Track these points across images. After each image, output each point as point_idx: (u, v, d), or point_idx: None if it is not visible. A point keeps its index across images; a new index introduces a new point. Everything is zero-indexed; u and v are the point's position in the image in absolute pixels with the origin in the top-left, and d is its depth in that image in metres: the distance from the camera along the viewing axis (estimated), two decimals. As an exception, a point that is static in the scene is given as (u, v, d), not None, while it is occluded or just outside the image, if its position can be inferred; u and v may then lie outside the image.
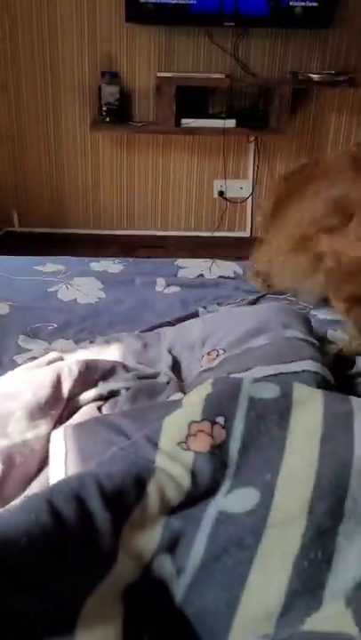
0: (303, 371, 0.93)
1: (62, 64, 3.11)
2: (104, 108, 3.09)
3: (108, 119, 3.09)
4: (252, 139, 3.30)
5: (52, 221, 3.40)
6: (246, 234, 3.45)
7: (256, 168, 3.40)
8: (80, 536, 0.58)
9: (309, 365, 0.94)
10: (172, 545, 0.66)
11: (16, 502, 0.80)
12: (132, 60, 3.14)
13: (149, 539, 0.65)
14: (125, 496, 0.66)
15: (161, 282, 1.65)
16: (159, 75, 3.03)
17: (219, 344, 1.10)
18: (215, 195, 3.43)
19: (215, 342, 1.12)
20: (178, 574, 0.64)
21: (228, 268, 1.78)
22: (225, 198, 3.44)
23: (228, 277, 1.72)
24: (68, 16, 3.01)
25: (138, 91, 3.19)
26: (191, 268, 1.76)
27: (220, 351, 1.06)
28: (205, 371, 1.05)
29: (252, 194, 3.43)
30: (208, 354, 1.07)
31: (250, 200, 3.45)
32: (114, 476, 0.67)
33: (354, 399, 0.81)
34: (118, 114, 3.10)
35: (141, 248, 3.29)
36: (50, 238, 3.33)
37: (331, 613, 0.54)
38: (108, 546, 0.60)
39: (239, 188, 3.44)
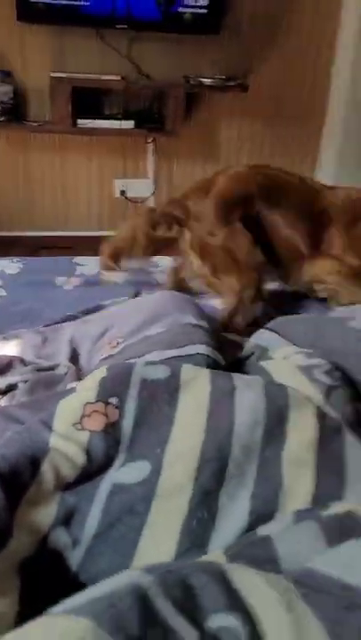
0: (197, 354, 0.99)
1: None
2: (-2, 107, 3.04)
3: (2, 118, 3.04)
4: (150, 140, 3.37)
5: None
6: (148, 233, 3.51)
7: (156, 168, 3.47)
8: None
9: (201, 349, 1.01)
10: (67, 518, 0.69)
11: None
12: (25, 59, 3.11)
13: (45, 514, 0.68)
14: (20, 475, 0.68)
15: (60, 279, 1.67)
16: (53, 75, 3.03)
17: (118, 333, 1.14)
18: (117, 194, 3.47)
19: (115, 332, 1.16)
20: (73, 545, 0.67)
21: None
22: (127, 198, 3.48)
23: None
24: None
25: (32, 90, 3.16)
26: (90, 265, 1.79)
27: (120, 339, 1.11)
28: (105, 358, 1.09)
29: (153, 193, 3.50)
30: (109, 343, 1.11)
31: (152, 199, 3.52)
32: (8, 458, 0.69)
33: (238, 376, 0.88)
34: (13, 113, 3.06)
35: (43, 249, 3.25)
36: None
37: (210, 559, 0.60)
38: (3, 522, 0.63)
39: (140, 187, 3.50)
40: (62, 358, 1.14)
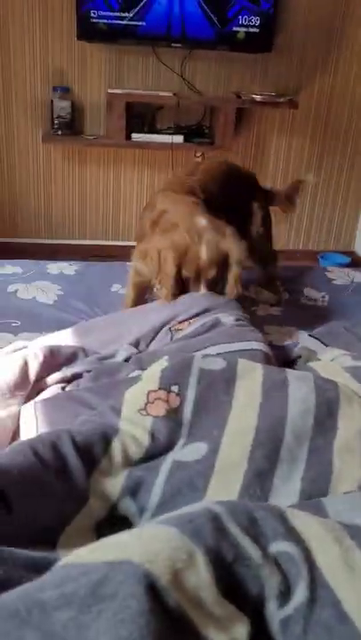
0: (252, 349, 1.07)
1: (14, 79, 3.19)
2: (56, 122, 3.19)
3: (59, 132, 3.19)
4: (199, 154, 3.47)
5: (6, 231, 3.46)
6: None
7: (203, 182, 3.56)
8: (58, 474, 0.68)
9: (256, 345, 1.09)
10: (134, 490, 0.77)
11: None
12: (84, 76, 3.26)
13: (115, 484, 0.76)
14: (93, 448, 0.77)
15: (116, 286, 1.77)
16: (110, 91, 3.16)
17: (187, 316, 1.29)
18: (164, 206, 3.57)
19: (182, 317, 1.30)
20: (140, 513, 0.74)
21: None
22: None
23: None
24: (20, 34, 3.10)
25: (89, 106, 3.31)
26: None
27: (192, 320, 1.26)
28: (178, 339, 1.22)
29: (199, 206, 3.59)
30: (180, 322, 1.25)
31: (198, 212, 3.60)
32: (84, 433, 0.78)
33: (289, 371, 0.95)
34: (70, 127, 3.21)
35: (92, 257, 3.38)
36: (5, 248, 3.38)
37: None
38: (81, 485, 0.71)
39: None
40: (124, 344, 1.23)
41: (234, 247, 1.38)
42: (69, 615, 0.37)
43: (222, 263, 1.38)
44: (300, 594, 0.45)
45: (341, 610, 0.43)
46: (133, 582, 0.39)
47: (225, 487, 0.75)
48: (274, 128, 3.49)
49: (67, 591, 0.39)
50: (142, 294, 1.58)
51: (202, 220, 1.38)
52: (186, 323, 1.26)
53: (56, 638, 0.36)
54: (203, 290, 1.37)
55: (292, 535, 0.48)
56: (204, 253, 1.35)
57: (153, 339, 1.27)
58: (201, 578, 0.42)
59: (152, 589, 0.39)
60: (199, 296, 1.35)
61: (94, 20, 3.02)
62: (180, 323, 1.27)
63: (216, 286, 1.39)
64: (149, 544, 0.43)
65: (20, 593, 0.39)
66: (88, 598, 0.38)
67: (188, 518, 0.47)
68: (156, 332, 1.27)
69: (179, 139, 3.24)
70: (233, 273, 1.39)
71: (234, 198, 1.71)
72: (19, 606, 0.37)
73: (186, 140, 3.25)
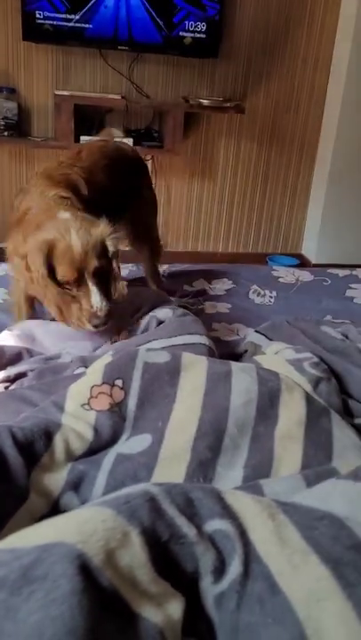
0: (198, 343, 1.08)
1: None
2: (2, 123, 3.14)
3: (6, 133, 3.14)
4: (149, 157, 3.48)
5: None
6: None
7: (154, 183, 3.58)
8: (-3, 471, 0.66)
9: (201, 339, 1.09)
10: (76, 484, 0.76)
11: None
12: (30, 77, 3.22)
13: (56, 480, 0.75)
14: (35, 445, 0.76)
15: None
16: (57, 93, 3.14)
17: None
18: (114, 210, 3.56)
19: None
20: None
21: (123, 268, 1.92)
22: (124, 213, 3.58)
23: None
24: (-36, 31, 3.04)
25: (36, 107, 3.27)
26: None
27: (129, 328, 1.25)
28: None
29: (149, 209, 3.60)
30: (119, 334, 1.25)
31: (148, 215, 3.61)
32: (25, 429, 0.76)
33: (233, 362, 0.96)
34: (17, 128, 3.17)
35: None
36: None
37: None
38: (21, 482, 0.69)
39: (137, 203, 3.59)
40: (66, 346, 1.22)
41: (107, 232, 1.23)
42: (-1, 598, 0.36)
43: (102, 252, 1.22)
44: (233, 569, 0.45)
45: (273, 582, 0.44)
46: (65, 562, 0.38)
47: (168, 477, 0.75)
48: (222, 132, 3.54)
49: (-3, 576, 0.38)
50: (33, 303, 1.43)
51: (65, 214, 1.24)
52: (124, 332, 1.26)
53: (-18, 621, 0.35)
54: (93, 289, 1.19)
55: (228, 513, 0.49)
56: (76, 242, 1.18)
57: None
58: (135, 557, 0.42)
59: (84, 569, 0.39)
60: (129, 304, 1.32)
61: (40, 21, 3.00)
62: (119, 335, 1.26)
63: (107, 283, 1.24)
64: (83, 525, 0.43)
65: None
66: (19, 581, 0.38)
67: (124, 499, 0.47)
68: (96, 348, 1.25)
69: (128, 142, 3.23)
70: (114, 264, 1.25)
71: (120, 183, 1.62)
72: None
73: (135, 143, 3.25)
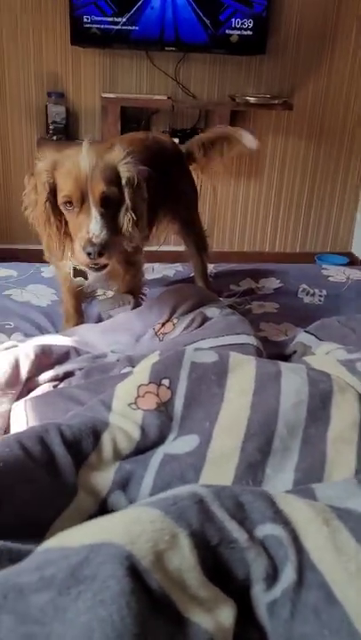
0: (246, 343, 1.07)
1: (8, 84, 3.20)
2: (51, 127, 3.20)
3: (54, 137, 3.20)
4: (195, 157, 3.47)
5: (1, 236, 3.45)
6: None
7: (199, 185, 3.57)
8: (46, 468, 0.67)
9: (249, 339, 1.08)
10: (124, 484, 0.75)
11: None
12: (78, 81, 3.26)
13: (104, 478, 0.75)
14: (82, 442, 0.76)
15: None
16: (104, 95, 3.17)
17: (172, 315, 1.25)
18: (160, 210, 3.57)
19: (166, 315, 1.26)
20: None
21: (169, 268, 1.92)
22: (170, 213, 3.58)
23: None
24: (13, 39, 3.11)
25: (84, 110, 3.31)
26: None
27: (175, 320, 1.22)
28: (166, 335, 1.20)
29: (195, 209, 3.59)
30: (162, 325, 1.22)
31: (194, 215, 3.61)
32: (73, 427, 0.77)
33: (282, 363, 0.94)
34: (65, 132, 3.22)
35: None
36: (3, 253, 3.38)
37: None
38: (70, 480, 0.69)
39: (183, 203, 3.59)
40: (115, 347, 1.22)
41: (122, 158, 1.12)
42: (47, 598, 0.36)
43: (113, 179, 1.11)
44: (287, 577, 0.43)
45: (329, 591, 0.42)
46: (114, 563, 0.38)
47: (216, 479, 0.74)
48: (269, 130, 3.50)
49: (46, 574, 0.38)
50: (80, 297, 1.40)
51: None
52: (170, 324, 1.24)
53: (32, 621, 0.35)
54: (94, 214, 1.07)
55: (280, 518, 0.47)
56: (84, 161, 1.08)
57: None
58: (185, 560, 0.41)
59: (133, 571, 0.38)
60: (173, 294, 1.31)
61: (87, 25, 3.04)
62: (162, 325, 1.25)
63: (114, 214, 1.12)
64: (131, 526, 0.42)
65: (-2, 578, 0.38)
66: (67, 580, 0.37)
67: (172, 501, 0.46)
68: (139, 337, 1.25)
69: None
70: (126, 194, 1.12)
71: (160, 175, 1.54)
72: (-6, 591, 0.36)
73: (181, 143, 3.24)
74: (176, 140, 3.22)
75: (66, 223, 1.15)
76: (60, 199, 1.11)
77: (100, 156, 1.12)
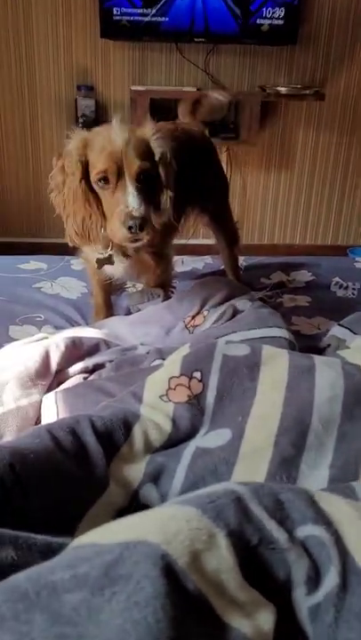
0: (278, 336, 1.04)
1: (39, 78, 3.21)
2: (80, 120, 3.20)
3: (84, 130, 3.19)
4: (225, 149, 3.43)
5: (35, 231, 3.47)
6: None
7: (229, 176, 3.53)
8: (77, 459, 0.66)
9: (281, 332, 1.05)
10: (155, 476, 0.74)
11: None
12: (107, 73, 3.25)
13: (135, 471, 0.73)
14: (114, 434, 0.74)
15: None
16: (133, 88, 3.15)
17: (202, 308, 1.23)
18: (189, 203, 3.55)
19: (197, 307, 1.25)
20: (162, 500, 0.72)
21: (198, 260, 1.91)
22: (199, 206, 3.55)
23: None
24: (44, 33, 3.12)
25: (113, 103, 3.30)
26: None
27: (205, 312, 1.21)
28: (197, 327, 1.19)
29: (224, 202, 3.56)
30: (192, 317, 1.21)
31: (223, 208, 3.57)
32: (104, 418, 0.76)
33: (316, 356, 0.91)
34: (94, 125, 3.21)
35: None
36: (35, 248, 3.39)
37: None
38: (101, 472, 0.68)
39: (212, 196, 3.56)
40: (144, 339, 1.21)
41: (153, 134, 1.12)
42: (81, 597, 0.35)
43: (147, 154, 1.10)
44: (330, 580, 0.41)
45: (376, 597, 0.40)
46: (149, 563, 0.36)
47: (250, 474, 0.72)
48: (300, 121, 3.44)
49: (79, 573, 0.36)
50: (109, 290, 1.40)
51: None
52: (200, 316, 1.23)
53: (64, 621, 0.33)
54: (131, 189, 1.06)
55: (322, 518, 0.45)
56: (117, 136, 1.06)
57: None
58: (223, 561, 0.39)
59: (169, 571, 0.36)
60: (204, 287, 1.29)
61: (117, 18, 3.02)
62: (192, 318, 1.23)
63: (150, 190, 1.11)
64: (167, 524, 0.41)
65: (30, 574, 0.37)
66: (101, 580, 0.36)
67: (208, 498, 0.45)
68: (169, 330, 1.24)
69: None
70: (161, 169, 1.12)
71: (189, 167, 1.49)
72: (27, 588, 0.35)
73: (210, 134, 3.20)
74: (206, 132, 3.19)
75: (96, 204, 1.13)
76: (95, 176, 1.10)
77: (133, 132, 1.10)
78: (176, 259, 1.92)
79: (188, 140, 1.60)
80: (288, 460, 0.72)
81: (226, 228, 1.78)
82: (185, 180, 1.54)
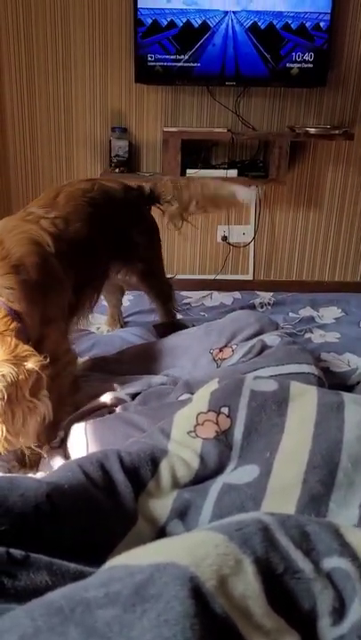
0: (307, 373, 1.05)
1: (75, 120, 3.35)
2: (114, 160, 3.31)
3: (117, 170, 3.30)
4: (254, 187, 3.49)
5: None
6: (249, 276, 3.60)
7: (258, 215, 3.58)
8: (107, 493, 0.67)
9: (309, 369, 1.06)
10: (182, 512, 0.75)
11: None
12: (141, 116, 3.38)
13: (163, 507, 0.74)
14: (141, 470, 0.76)
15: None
16: (165, 129, 3.26)
17: (231, 341, 1.25)
18: (219, 239, 3.61)
19: (225, 340, 1.27)
20: (189, 535, 0.73)
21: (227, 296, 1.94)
22: (228, 243, 3.61)
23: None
24: (81, 77, 3.27)
25: (145, 144, 3.42)
26: (193, 297, 1.91)
27: (234, 346, 1.24)
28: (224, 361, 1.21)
29: (253, 238, 3.60)
30: (220, 350, 1.23)
31: (252, 245, 3.62)
32: (132, 454, 0.77)
33: (345, 393, 0.91)
34: (127, 165, 3.32)
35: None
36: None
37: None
38: (130, 505, 0.70)
39: (242, 233, 3.61)
40: (169, 372, 1.23)
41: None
42: (113, 613, 0.36)
43: None
44: (355, 612, 0.42)
45: None
46: (178, 584, 0.38)
47: (277, 511, 0.72)
48: (329, 160, 3.49)
49: (111, 591, 0.38)
50: None
51: None
52: (228, 350, 1.24)
53: (97, 635, 0.35)
54: None
55: (347, 551, 0.46)
56: None
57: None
58: (249, 586, 0.41)
59: (197, 593, 0.38)
60: (233, 320, 1.31)
61: (151, 64, 3.15)
62: (220, 350, 1.25)
63: None
64: (196, 548, 0.42)
65: (65, 592, 0.39)
66: (132, 598, 0.37)
67: (236, 526, 0.46)
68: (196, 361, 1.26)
69: (233, 173, 3.27)
70: None
71: (109, 230, 1.40)
72: (62, 604, 0.37)
73: (240, 174, 3.28)
74: (232, 172, 3.26)
75: None
76: None
77: None
78: (205, 294, 1.95)
79: (106, 200, 1.45)
80: (317, 498, 0.73)
81: (158, 285, 1.66)
82: (104, 244, 1.37)
